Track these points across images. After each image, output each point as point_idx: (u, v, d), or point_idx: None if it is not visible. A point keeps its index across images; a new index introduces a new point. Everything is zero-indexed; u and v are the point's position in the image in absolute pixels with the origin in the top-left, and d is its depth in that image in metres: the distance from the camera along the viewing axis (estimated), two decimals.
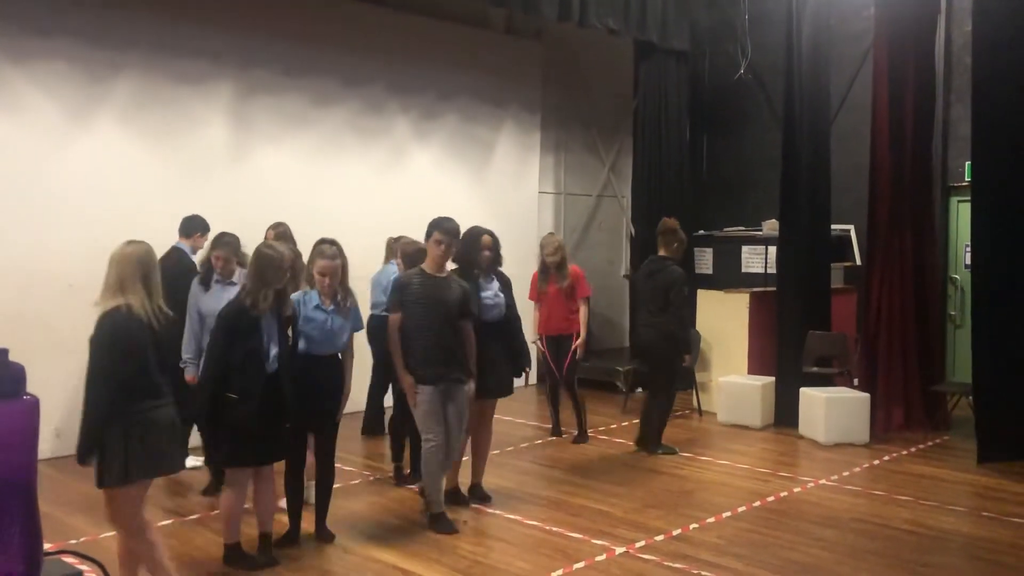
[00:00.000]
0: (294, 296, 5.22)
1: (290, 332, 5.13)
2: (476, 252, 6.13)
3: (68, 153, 7.47)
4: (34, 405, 1.83)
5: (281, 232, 6.78)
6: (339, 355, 5.42)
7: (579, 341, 7.97)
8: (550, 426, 8.45)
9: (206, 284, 6.12)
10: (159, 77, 7.97)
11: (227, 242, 6.12)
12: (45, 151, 7.35)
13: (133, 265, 4.12)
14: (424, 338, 5.51)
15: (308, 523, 5.49)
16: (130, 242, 4.24)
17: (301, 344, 5.22)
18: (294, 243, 6.38)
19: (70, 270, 7.20)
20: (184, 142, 8.16)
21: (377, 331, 6.95)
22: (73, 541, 5.32)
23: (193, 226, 7.12)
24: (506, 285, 6.40)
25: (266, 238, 6.50)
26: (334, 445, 5.50)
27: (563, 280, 8.00)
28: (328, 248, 5.35)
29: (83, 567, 3.97)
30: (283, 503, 5.41)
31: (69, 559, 3.36)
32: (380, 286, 7.42)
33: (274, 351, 4.88)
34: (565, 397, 8.27)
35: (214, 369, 4.80)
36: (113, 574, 4.21)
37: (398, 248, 7.04)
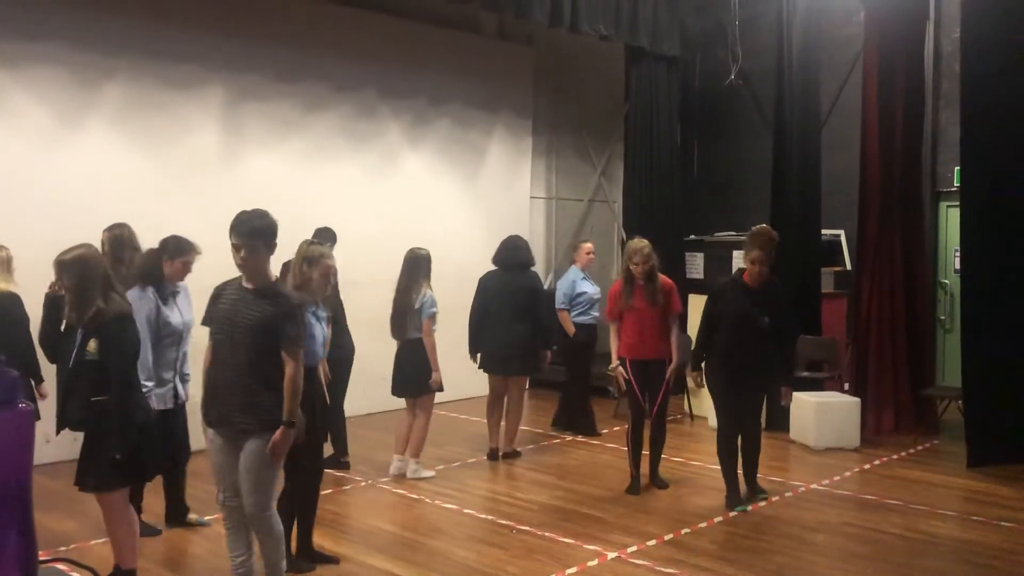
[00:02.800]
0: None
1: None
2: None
3: (58, 158, 7.43)
4: (29, 413, 1.82)
5: (117, 235, 6.03)
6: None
7: (671, 367, 6.70)
8: (629, 478, 6.78)
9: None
10: (150, 82, 7.94)
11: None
12: (35, 155, 7.32)
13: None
14: None
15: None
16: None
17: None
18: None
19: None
20: (175, 147, 8.14)
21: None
22: (63, 548, 5.30)
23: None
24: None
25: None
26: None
27: (654, 294, 6.67)
28: (327, 249, 5.22)
29: (77, 575, 3.96)
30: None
31: (63, 567, 3.35)
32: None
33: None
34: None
35: None
36: None
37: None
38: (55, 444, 6.69)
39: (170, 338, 5.48)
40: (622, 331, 6.74)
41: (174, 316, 5.49)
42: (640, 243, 6.82)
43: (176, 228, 7.96)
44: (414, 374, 6.88)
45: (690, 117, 12.06)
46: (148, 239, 8.00)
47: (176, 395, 5.55)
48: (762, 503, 6.37)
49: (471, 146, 10.68)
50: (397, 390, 7.07)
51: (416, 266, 6.90)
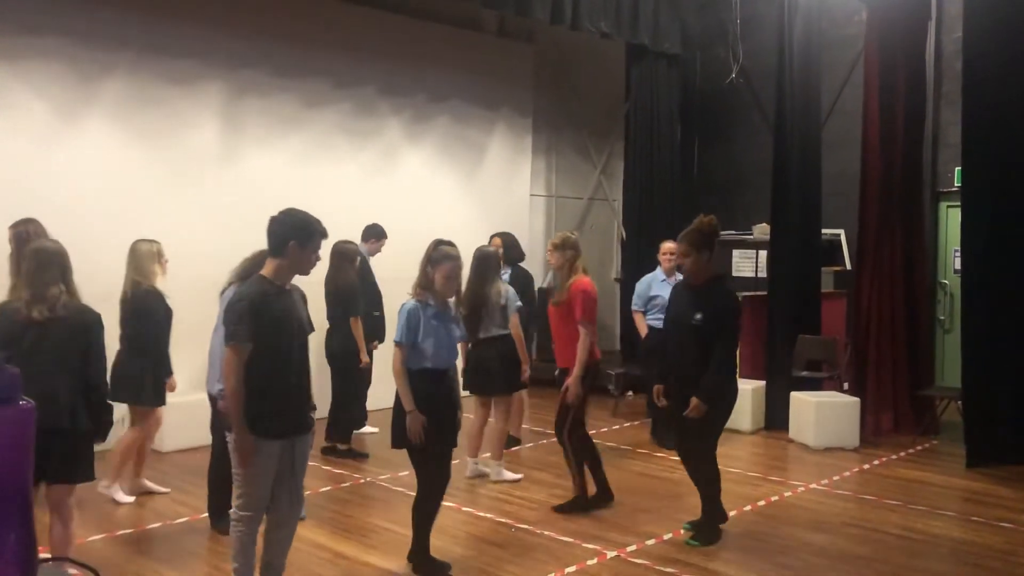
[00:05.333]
0: (406, 305, 4.83)
1: None
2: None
3: (57, 153, 7.42)
4: (29, 411, 1.81)
5: (20, 232, 5.76)
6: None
7: (569, 379, 5.99)
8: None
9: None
10: (149, 77, 7.93)
11: None
12: (34, 151, 7.30)
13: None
14: None
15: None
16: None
17: (421, 359, 4.78)
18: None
19: None
20: (174, 143, 8.12)
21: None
22: None
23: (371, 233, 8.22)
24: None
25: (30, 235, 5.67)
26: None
27: (561, 293, 6.11)
28: (452, 249, 4.89)
29: (78, 574, 3.95)
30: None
31: (64, 566, 3.33)
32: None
33: None
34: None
35: None
36: None
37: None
38: None
39: None
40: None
41: None
42: (560, 234, 6.40)
43: (175, 224, 8.01)
44: (502, 371, 6.69)
45: (691, 116, 12.05)
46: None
47: None
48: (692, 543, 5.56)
49: (471, 144, 10.67)
50: (479, 389, 6.85)
51: (486, 264, 6.73)
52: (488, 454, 7.01)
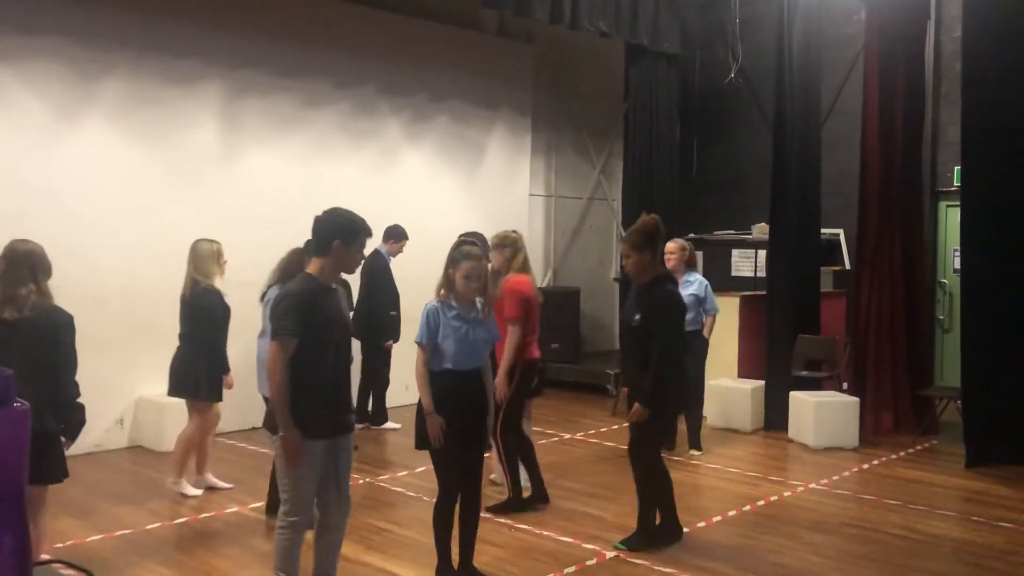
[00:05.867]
0: (427, 305, 4.69)
1: None
2: None
3: (56, 152, 7.41)
4: (24, 413, 1.81)
5: None
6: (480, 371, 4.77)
7: (497, 378, 5.70)
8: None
9: None
10: (149, 77, 7.92)
11: None
12: (33, 150, 7.29)
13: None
14: None
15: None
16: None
17: (442, 360, 4.64)
18: None
19: (56, 270, 7.10)
20: (174, 143, 8.11)
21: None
22: (59, 545, 5.28)
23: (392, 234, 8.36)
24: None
25: None
26: (481, 473, 4.95)
27: (495, 292, 5.67)
28: (474, 248, 4.70)
29: (73, 575, 3.95)
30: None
31: (60, 568, 3.33)
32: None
33: None
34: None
35: None
36: None
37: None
38: None
39: None
40: None
41: None
42: (497, 234, 6.27)
43: (175, 223, 8.01)
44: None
45: (690, 115, 12.06)
46: (146, 234, 8.04)
47: None
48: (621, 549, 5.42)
49: (470, 143, 10.67)
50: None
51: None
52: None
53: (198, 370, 6.22)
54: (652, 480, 5.51)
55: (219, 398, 6.37)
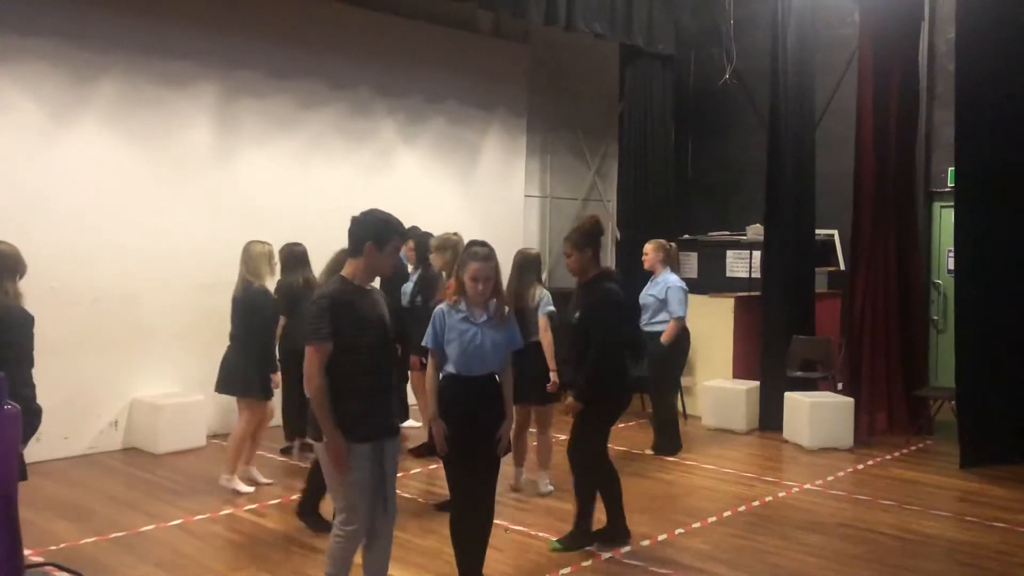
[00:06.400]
0: (437, 308, 4.60)
1: None
2: None
3: (51, 153, 7.40)
4: (15, 415, 1.80)
5: None
6: (496, 376, 4.60)
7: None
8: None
9: None
10: (144, 78, 7.91)
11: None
12: (28, 151, 7.28)
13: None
14: None
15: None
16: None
17: (446, 363, 4.53)
18: None
19: (52, 272, 7.13)
20: (169, 144, 8.10)
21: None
22: (53, 547, 5.27)
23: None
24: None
25: None
26: (495, 482, 4.69)
27: (441, 294, 5.95)
28: (481, 249, 4.53)
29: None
30: None
31: (52, 570, 3.33)
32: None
33: None
34: None
35: None
36: None
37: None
38: (45, 443, 6.70)
39: None
40: None
41: None
42: (438, 236, 6.94)
43: (170, 225, 8.01)
44: (539, 378, 6.28)
45: (684, 116, 12.06)
46: (142, 235, 8.02)
47: None
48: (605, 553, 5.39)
49: (466, 144, 10.67)
50: (519, 397, 6.38)
51: (527, 267, 6.51)
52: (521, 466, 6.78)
53: (248, 368, 6.36)
54: (589, 478, 5.48)
55: (269, 396, 6.53)
